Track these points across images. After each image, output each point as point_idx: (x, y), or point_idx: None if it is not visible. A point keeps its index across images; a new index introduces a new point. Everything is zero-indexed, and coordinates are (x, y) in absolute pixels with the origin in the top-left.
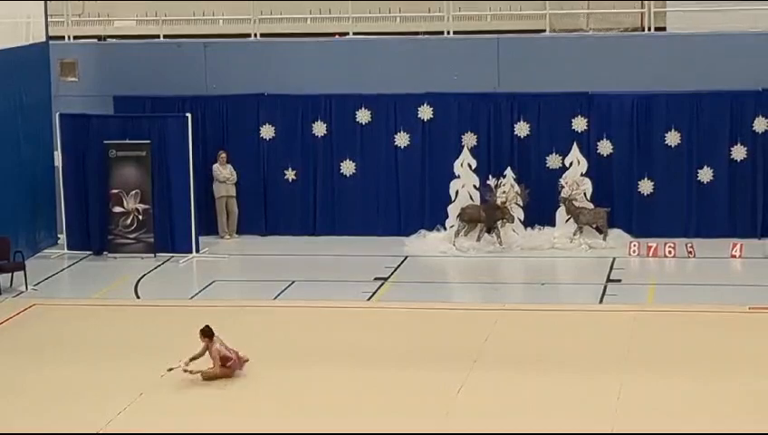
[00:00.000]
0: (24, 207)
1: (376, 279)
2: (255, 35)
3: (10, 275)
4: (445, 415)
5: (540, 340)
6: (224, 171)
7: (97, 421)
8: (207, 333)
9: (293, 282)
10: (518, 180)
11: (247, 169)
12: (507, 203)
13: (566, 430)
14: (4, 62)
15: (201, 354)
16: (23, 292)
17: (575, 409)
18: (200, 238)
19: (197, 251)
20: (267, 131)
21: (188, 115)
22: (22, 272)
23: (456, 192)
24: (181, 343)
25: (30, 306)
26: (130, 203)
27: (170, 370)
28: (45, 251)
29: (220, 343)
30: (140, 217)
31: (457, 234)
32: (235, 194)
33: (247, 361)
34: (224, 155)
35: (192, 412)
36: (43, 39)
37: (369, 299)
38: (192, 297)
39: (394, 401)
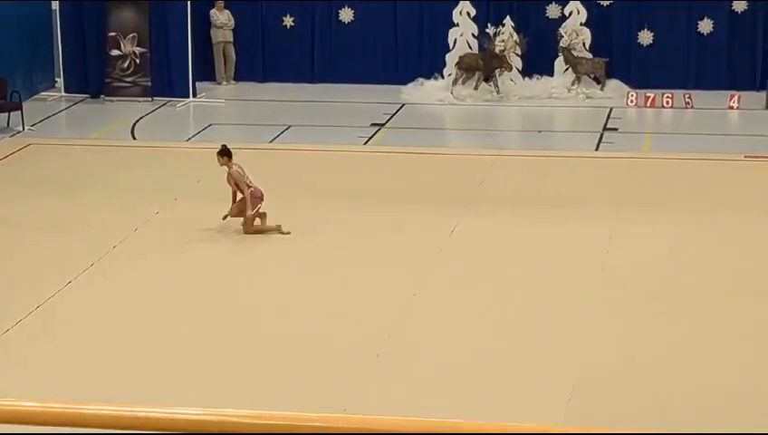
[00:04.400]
0: (20, 49)
1: (373, 125)
2: None
3: (7, 115)
4: (438, 252)
5: (534, 184)
6: (221, 17)
7: (93, 254)
8: (225, 152)
9: (290, 126)
10: (517, 29)
11: (245, 15)
12: (506, 52)
13: (558, 263)
14: None
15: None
16: (19, 132)
17: (567, 246)
18: (197, 84)
19: (194, 96)
20: None
21: None
22: (18, 112)
23: (455, 40)
24: (176, 183)
25: (26, 145)
26: (128, 46)
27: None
28: (42, 93)
29: (238, 167)
30: (138, 60)
31: (455, 82)
32: (232, 40)
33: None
34: (221, 1)
35: (184, 248)
36: None
37: (365, 144)
38: (188, 140)
39: (389, 241)
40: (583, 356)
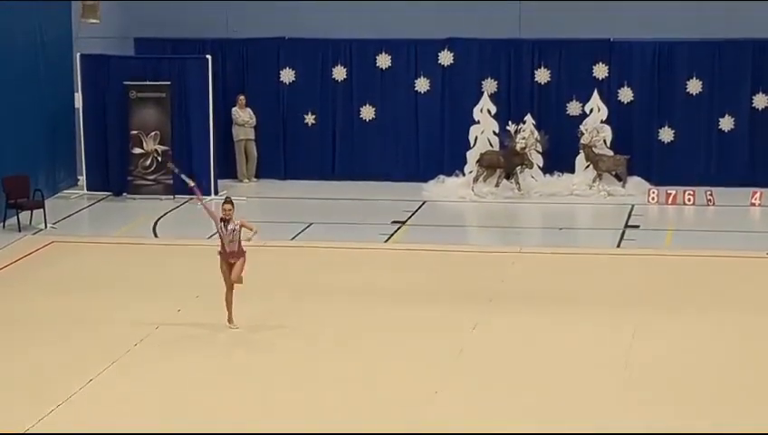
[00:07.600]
0: (43, 147)
1: (394, 222)
2: None
3: (29, 213)
4: (459, 352)
5: (556, 281)
6: (243, 115)
7: (114, 351)
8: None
9: (311, 224)
10: (538, 127)
11: (267, 113)
12: (527, 149)
13: (580, 360)
14: (25, 2)
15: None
16: (41, 230)
17: (589, 343)
18: (219, 181)
19: (216, 193)
20: (287, 75)
21: (209, 57)
22: (41, 210)
23: (476, 138)
24: (198, 281)
25: (49, 243)
26: (150, 144)
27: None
28: (65, 191)
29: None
30: (160, 158)
31: (476, 179)
32: (254, 137)
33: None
34: (243, 98)
35: (207, 347)
36: None
37: (386, 241)
38: (210, 237)
39: (410, 339)
40: None
